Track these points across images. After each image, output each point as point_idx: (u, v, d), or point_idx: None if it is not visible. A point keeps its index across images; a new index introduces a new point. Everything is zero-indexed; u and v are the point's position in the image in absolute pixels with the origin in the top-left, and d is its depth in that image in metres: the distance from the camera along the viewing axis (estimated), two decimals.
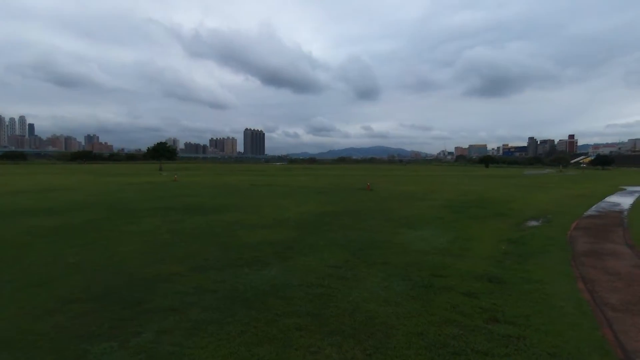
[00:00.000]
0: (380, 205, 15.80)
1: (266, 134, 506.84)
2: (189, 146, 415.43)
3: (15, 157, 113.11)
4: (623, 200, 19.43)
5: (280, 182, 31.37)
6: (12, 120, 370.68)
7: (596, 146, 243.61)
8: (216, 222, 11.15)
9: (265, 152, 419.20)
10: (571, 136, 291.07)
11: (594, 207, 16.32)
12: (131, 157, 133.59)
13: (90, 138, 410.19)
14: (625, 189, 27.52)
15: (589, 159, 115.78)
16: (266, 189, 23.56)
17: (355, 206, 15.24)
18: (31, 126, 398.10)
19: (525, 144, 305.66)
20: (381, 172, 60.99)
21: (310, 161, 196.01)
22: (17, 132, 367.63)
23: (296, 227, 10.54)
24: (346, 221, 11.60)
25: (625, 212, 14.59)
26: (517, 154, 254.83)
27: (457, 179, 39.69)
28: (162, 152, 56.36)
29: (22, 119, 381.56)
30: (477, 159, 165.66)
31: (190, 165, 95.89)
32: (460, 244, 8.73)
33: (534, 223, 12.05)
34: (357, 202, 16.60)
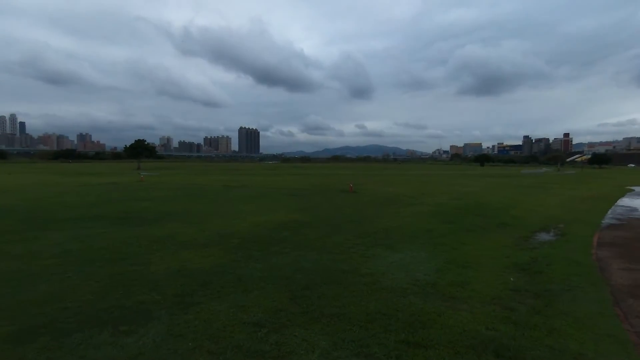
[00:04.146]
0: (359, 212, 13.32)
1: (261, 133, 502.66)
2: (183, 145, 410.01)
3: None
4: (639, 204, 17.15)
5: (257, 182, 28.77)
6: (2, 118, 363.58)
7: (591, 145, 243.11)
8: (140, 238, 8.63)
9: (260, 151, 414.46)
10: (566, 135, 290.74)
11: (609, 213, 14.01)
12: (117, 155, 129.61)
13: (82, 137, 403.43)
14: (633, 190, 25.35)
15: (585, 157, 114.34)
16: (236, 192, 21.01)
17: (329, 214, 12.76)
18: (22, 124, 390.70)
19: (519, 143, 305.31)
20: (372, 172, 58.57)
21: (304, 160, 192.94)
22: (8, 131, 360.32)
23: (238, 245, 8.05)
24: (309, 236, 9.12)
25: None
26: (512, 152, 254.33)
27: (451, 179, 37.36)
28: (141, 150, 53.10)
29: (12, 117, 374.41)
30: (472, 158, 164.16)
31: (175, 164, 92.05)
32: (452, 274, 6.29)
33: (544, 236, 9.67)
34: (332, 209, 14.12)
